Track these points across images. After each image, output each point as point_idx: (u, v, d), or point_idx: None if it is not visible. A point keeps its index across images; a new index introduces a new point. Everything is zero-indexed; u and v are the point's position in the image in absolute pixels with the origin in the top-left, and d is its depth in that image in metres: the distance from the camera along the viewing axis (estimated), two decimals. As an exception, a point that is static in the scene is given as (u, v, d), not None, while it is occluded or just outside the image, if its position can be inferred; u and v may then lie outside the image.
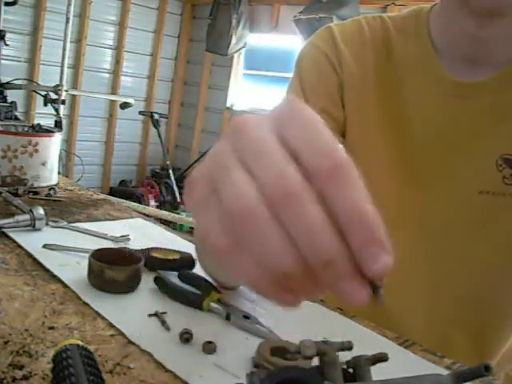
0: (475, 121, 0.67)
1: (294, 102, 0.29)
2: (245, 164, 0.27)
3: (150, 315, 0.59)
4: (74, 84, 4.73)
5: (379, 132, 0.72)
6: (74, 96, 4.64)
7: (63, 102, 3.28)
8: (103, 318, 0.57)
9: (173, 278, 0.69)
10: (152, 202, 4.54)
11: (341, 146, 0.27)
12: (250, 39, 4.95)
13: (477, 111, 0.67)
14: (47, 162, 1.14)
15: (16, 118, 3.08)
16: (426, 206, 0.71)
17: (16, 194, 1.01)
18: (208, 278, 0.68)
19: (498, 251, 0.69)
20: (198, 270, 0.71)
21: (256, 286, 0.27)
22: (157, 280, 0.66)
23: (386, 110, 0.71)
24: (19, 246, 0.75)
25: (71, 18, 3.34)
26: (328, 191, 0.25)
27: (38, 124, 1.23)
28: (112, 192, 4.95)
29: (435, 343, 0.67)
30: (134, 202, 4.05)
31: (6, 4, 3.31)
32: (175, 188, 4.53)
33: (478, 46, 0.65)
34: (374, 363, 0.41)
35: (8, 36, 3.23)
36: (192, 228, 3.82)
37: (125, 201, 3.60)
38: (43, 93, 3.32)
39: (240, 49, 4.95)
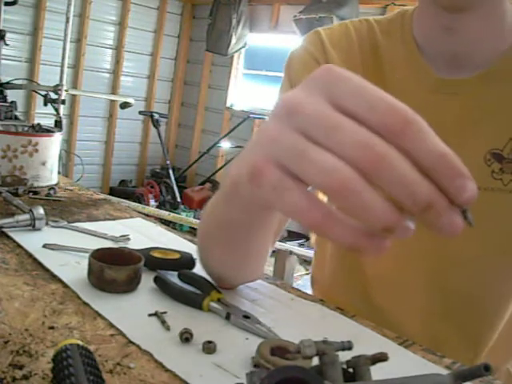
0: (462, 117, 0.68)
1: (328, 67, 0.32)
2: (316, 142, 0.29)
3: (150, 315, 0.59)
4: (74, 84, 4.73)
5: None
6: (74, 96, 4.64)
7: (63, 102, 3.29)
8: (103, 317, 0.57)
9: (173, 278, 0.69)
10: (152, 202, 4.54)
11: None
12: (250, 39, 4.95)
13: (463, 107, 0.68)
14: (47, 162, 1.14)
15: (16, 118, 3.08)
16: None
17: (16, 194, 1.01)
18: (208, 277, 0.68)
19: (488, 246, 0.70)
20: (198, 269, 0.71)
21: (356, 247, 0.30)
22: (157, 280, 0.66)
23: None
24: (19, 246, 0.75)
25: (71, 17, 3.34)
26: (406, 144, 0.28)
27: (38, 124, 1.23)
28: (112, 192, 4.95)
29: (431, 341, 0.68)
30: (134, 201, 4.05)
31: (6, 4, 3.31)
32: (175, 188, 4.53)
33: (454, 39, 0.66)
34: (373, 363, 0.41)
35: (8, 36, 3.24)
36: (192, 228, 3.82)
37: (125, 201, 3.60)
38: (43, 93, 3.32)
39: (240, 49, 4.95)
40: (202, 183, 4.95)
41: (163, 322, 0.58)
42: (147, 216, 1.07)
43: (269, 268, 2.89)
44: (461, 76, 0.68)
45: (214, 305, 0.62)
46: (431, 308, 0.74)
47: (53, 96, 3.26)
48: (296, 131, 0.30)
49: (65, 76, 3.38)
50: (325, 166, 0.29)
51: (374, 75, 0.72)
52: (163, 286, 0.66)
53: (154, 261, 0.72)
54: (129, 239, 0.84)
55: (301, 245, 3.81)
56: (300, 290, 0.75)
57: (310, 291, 0.87)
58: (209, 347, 0.53)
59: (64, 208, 0.99)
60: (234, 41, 4.79)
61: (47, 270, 0.68)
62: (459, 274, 0.72)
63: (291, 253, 2.87)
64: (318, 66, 0.76)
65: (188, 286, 0.67)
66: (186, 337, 0.54)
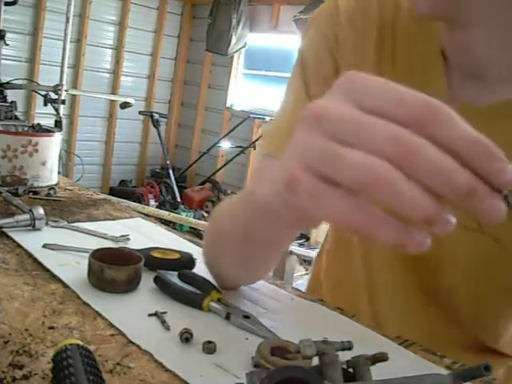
0: None
1: (350, 73, 0.31)
2: (347, 143, 0.29)
3: (150, 315, 0.59)
4: (74, 84, 4.73)
5: None
6: (74, 96, 4.64)
7: (63, 102, 3.28)
8: (103, 317, 0.57)
9: (173, 278, 0.69)
10: (152, 202, 4.54)
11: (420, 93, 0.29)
12: (250, 39, 4.95)
13: None
14: (47, 162, 1.14)
15: (16, 118, 3.08)
16: None
17: (16, 194, 1.01)
18: (208, 277, 0.68)
19: (466, 280, 0.68)
20: (198, 269, 0.71)
21: (401, 245, 0.29)
22: (157, 280, 0.66)
23: None
24: (19, 246, 0.75)
25: (71, 17, 3.34)
26: (438, 134, 0.28)
27: (38, 124, 1.23)
28: (112, 192, 4.95)
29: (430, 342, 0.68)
30: (134, 201, 4.05)
31: (6, 4, 3.30)
32: (175, 188, 4.53)
33: (467, 55, 0.59)
34: (373, 363, 0.41)
35: (8, 36, 3.23)
36: (192, 228, 3.82)
37: (125, 201, 3.60)
38: (43, 92, 3.32)
39: (240, 49, 4.95)
40: (202, 183, 4.94)
41: (163, 322, 0.58)
42: (147, 216, 1.07)
43: (269, 268, 2.88)
44: (481, 96, 0.60)
45: (214, 305, 0.62)
46: (427, 308, 0.73)
47: (53, 96, 3.26)
48: (326, 136, 0.30)
49: (65, 76, 3.37)
50: (359, 163, 0.28)
51: (388, 72, 0.64)
52: (163, 285, 0.66)
53: (154, 261, 0.72)
54: (129, 239, 0.84)
55: (301, 245, 3.81)
56: (300, 290, 0.75)
57: (309, 291, 0.87)
58: (209, 347, 0.53)
59: (64, 208, 0.99)
60: (234, 41, 4.79)
61: (47, 270, 0.68)
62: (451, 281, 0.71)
63: (291, 253, 2.88)
64: (327, 47, 0.68)
65: (188, 286, 0.67)
66: (186, 337, 0.54)
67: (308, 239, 4.01)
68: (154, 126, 4.57)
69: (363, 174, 0.28)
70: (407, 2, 0.63)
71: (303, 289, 0.79)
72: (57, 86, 3.26)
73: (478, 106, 0.59)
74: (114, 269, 0.63)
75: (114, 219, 0.96)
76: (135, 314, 0.60)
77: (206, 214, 4.28)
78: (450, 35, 0.59)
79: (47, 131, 1.21)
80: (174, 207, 4.42)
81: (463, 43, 0.58)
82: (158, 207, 4.36)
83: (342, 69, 0.65)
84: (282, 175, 0.32)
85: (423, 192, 0.28)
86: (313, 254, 2.94)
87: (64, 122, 3.81)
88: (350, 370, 0.41)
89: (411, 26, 0.63)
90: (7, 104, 3.00)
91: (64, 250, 0.75)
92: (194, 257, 0.74)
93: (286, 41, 4.75)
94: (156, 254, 0.73)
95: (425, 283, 0.71)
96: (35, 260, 0.71)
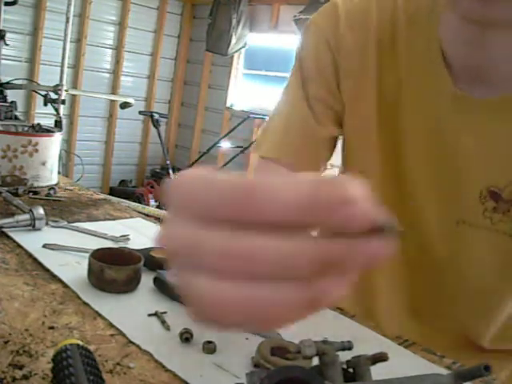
0: (468, 142, 0.61)
1: (177, 179, 0.26)
2: (189, 268, 0.26)
3: (150, 315, 0.59)
4: (74, 84, 4.73)
5: (375, 130, 0.67)
6: (74, 96, 4.64)
7: (63, 102, 3.28)
8: (103, 317, 0.57)
9: (173, 277, 0.69)
10: (152, 202, 4.54)
11: (234, 176, 0.24)
12: (250, 39, 4.95)
13: (476, 133, 0.61)
14: (47, 162, 1.14)
15: (16, 118, 3.07)
16: (412, 220, 0.68)
17: (16, 194, 1.01)
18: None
19: (466, 282, 0.68)
20: (197, 269, 0.72)
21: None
22: (156, 280, 0.66)
23: (382, 107, 0.66)
24: (19, 246, 0.75)
25: (71, 17, 3.34)
26: (260, 217, 0.22)
27: (38, 124, 1.23)
28: (112, 192, 4.95)
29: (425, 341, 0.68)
30: (134, 201, 4.05)
31: (6, 4, 3.30)
32: (175, 188, 4.52)
33: (478, 53, 0.57)
34: (374, 363, 0.41)
35: (8, 36, 3.23)
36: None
37: (125, 201, 3.60)
38: (43, 92, 3.32)
39: (240, 49, 4.95)
40: (202, 183, 4.94)
41: (163, 322, 0.58)
42: (147, 216, 1.07)
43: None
44: (483, 93, 0.59)
45: (214, 305, 0.62)
46: (416, 305, 0.73)
47: (53, 96, 3.26)
48: (179, 265, 0.27)
49: (65, 76, 3.37)
50: (197, 295, 0.24)
51: (390, 71, 0.64)
52: (163, 286, 0.66)
53: (154, 261, 0.72)
54: (129, 239, 0.84)
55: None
56: (300, 290, 0.75)
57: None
58: (209, 347, 0.53)
59: (64, 208, 0.99)
60: (234, 41, 4.79)
61: (47, 270, 0.68)
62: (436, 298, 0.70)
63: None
64: (328, 48, 0.67)
65: (188, 285, 0.67)
66: (186, 337, 0.54)
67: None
68: (154, 126, 4.57)
69: (205, 306, 0.24)
70: (404, 1, 0.63)
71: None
72: (57, 86, 3.26)
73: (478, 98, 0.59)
74: (114, 269, 0.63)
75: (114, 219, 0.96)
76: (135, 314, 0.60)
77: (205, 214, 4.27)
78: (465, 33, 0.56)
79: (47, 131, 1.21)
80: (174, 207, 4.42)
81: (482, 42, 0.55)
82: (157, 207, 4.36)
83: (343, 74, 0.67)
84: None
85: (274, 290, 0.23)
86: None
87: (64, 122, 3.81)
88: (350, 370, 0.41)
89: (409, 24, 0.63)
90: (7, 104, 3.00)
91: (64, 249, 0.75)
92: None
93: (285, 41, 4.75)
94: (156, 254, 0.73)
95: (429, 278, 0.71)
96: (35, 260, 0.70)
